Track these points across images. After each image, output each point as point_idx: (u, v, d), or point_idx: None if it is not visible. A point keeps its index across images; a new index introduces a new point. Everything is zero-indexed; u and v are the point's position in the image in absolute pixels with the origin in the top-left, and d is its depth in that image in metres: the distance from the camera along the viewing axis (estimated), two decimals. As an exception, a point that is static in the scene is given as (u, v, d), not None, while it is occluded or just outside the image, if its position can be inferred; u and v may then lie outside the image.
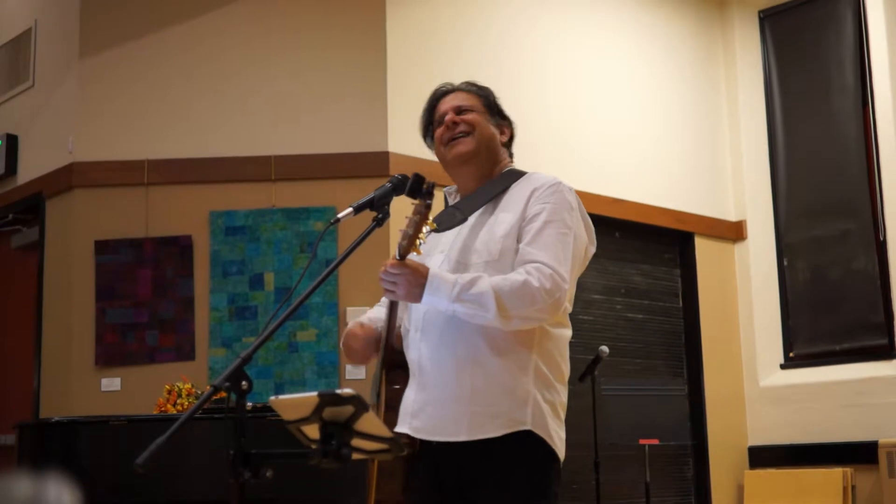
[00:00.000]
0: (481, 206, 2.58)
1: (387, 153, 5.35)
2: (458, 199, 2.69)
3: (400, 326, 2.64)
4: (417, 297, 2.39)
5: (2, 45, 6.38)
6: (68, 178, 5.46)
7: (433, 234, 2.58)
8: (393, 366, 2.56)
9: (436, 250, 2.59)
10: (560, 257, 2.44)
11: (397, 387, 2.55)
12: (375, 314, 2.72)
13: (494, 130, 2.67)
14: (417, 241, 2.36)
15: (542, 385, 2.46)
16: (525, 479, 2.42)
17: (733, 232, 7.04)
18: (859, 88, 6.62)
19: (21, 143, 6.05)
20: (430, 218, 2.38)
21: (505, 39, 6.04)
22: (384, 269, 2.38)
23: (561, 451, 2.48)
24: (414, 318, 2.56)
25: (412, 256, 2.39)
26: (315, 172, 5.37)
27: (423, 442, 2.48)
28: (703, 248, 6.87)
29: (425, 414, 2.47)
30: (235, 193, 5.38)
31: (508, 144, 2.72)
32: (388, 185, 2.46)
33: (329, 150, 5.39)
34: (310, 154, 5.39)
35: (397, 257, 2.37)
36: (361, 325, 2.63)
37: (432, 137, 2.73)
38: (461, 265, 2.51)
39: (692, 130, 6.97)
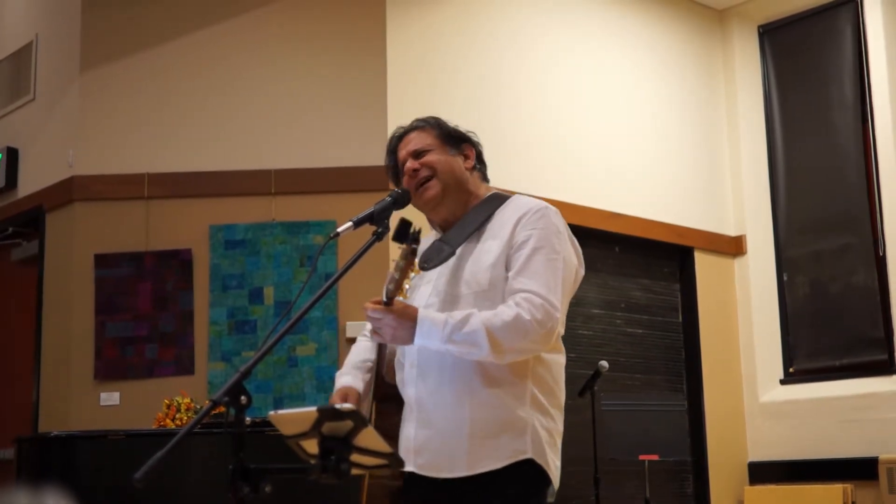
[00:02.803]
0: (467, 236, 2.57)
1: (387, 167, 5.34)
2: (440, 233, 2.68)
3: (389, 360, 2.64)
4: (407, 340, 2.39)
5: (3, 59, 6.39)
6: (68, 191, 5.46)
7: (417, 279, 2.59)
8: (384, 398, 2.56)
9: (423, 282, 2.59)
10: (550, 284, 2.43)
11: (389, 419, 2.54)
12: (358, 358, 2.70)
13: (457, 161, 2.64)
14: (404, 286, 2.36)
15: (539, 412, 2.47)
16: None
17: (733, 247, 7.04)
18: (859, 103, 6.63)
19: (21, 157, 6.06)
20: (417, 258, 2.37)
21: (505, 54, 6.05)
22: (368, 311, 2.37)
23: (556, 480, 2.49)
24: (409, 354, 2.55)
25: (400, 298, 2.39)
26: (315, 186, 5.37)
27: (419, 476, 2.48)
28: (703, 263, 6.87)
29: (429, 451, 2.48)
30: (235, 207, 5.38)
31: (479, 163, 2.70)
32: (388, 199, 2.47)
33: (329, 164, 5.39)
34: (310, 168, 5.40)
35: (384, 301, 2.36)
36: (346, 391, 2.58)
37: (398, 183, 2.71)
38: (450, 297, 2.51)
39: (692, 145, 6.97)
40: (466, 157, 2.67)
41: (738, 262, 7.05)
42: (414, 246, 2.32)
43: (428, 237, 2.69)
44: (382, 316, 2.35)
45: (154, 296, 5.30)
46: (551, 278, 2.44)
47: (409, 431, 2.52)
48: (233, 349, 5.23)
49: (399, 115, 5.46)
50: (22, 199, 5.95)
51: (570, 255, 2.53)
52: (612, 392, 5.90)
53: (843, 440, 6.38)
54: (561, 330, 2.50)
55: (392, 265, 2.36)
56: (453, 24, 5.87)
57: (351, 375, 2.63)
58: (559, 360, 2.57)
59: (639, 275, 6.62)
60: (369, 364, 2.66)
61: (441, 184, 2.60)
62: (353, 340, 5.13)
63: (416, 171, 2.62)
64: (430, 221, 2.71)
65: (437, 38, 5.78)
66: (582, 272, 2.60)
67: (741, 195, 7.07)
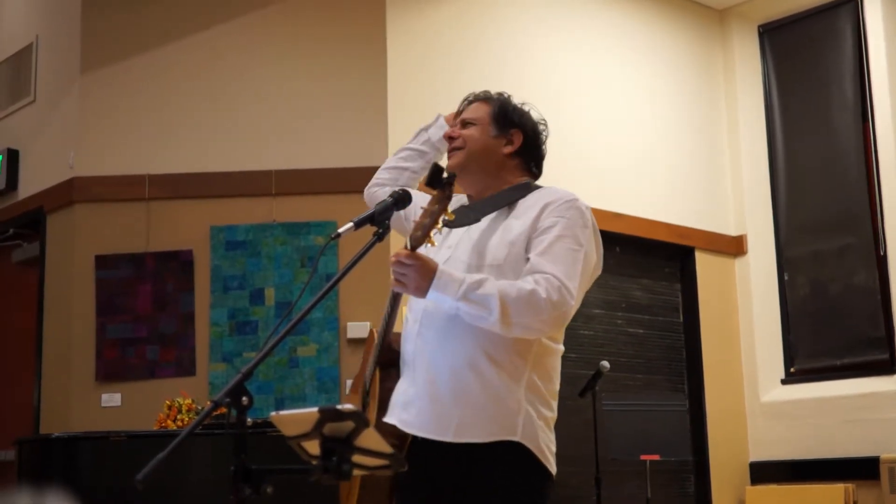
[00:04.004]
0: (492, 211, 2.60)
1: (387, 168, 5.35)
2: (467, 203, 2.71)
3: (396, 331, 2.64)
4: (424, 292, 2.37)
5: (3, 61, 6.39)
6: (69, 192, 5.46)
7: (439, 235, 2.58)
8: (388, 364, 2.54)
9: (443, 246, 2.59)
10: (570, 272, 2.43)
11: (390, 386, 2.53)
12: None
13: (496, 142, 2.66)
14: (432, 232, 2.33)
15: (534, 398, 2.47)
16: (514, 493, 2.42)
17: (733, 246, 7.04)
18: (859, 103, 6.63)
19: (22, 158, 6.06)
20: (449, 209, 2.35)
21: (505, 55, 6.05)
22: (396, 260, 2.36)
23: (552, 466, 2.48)
24: (414, 311, 2.56)
25: (425, 248, 2.37)
26: (316, 187, 5.37)
27: (412, 441, 2.47)
28: (704, 263, 6.86)
29: (414, 408, 2.47)
30: (236, 208, 5.38)
31: (522, 153, 2.69)
32: (389, 199, 2.46)
33: (330, 165, 5.40)
34: (310, 169, 5.40)
35: (408, 247, 2.33)
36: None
37: None
38: (466, 266, 2.51)
39: (692, 145, 6.97)
40: (509, 143, 2.68)
41: (738, 262, 7.05)
42: (448, 191, 2.30)
43: (454, 202, 2.70)
44: (411, 262, 2.33)
45: (155, 297, 5.30)
46: (571, 266, 2.45)
47: (401, 385, 2.53)
48: (234, 350, 5.24)
49: (400, 116, 5.50)
50: (22, 201, 5.95)
51: (592, 251, 2.54)
52: (613, 392, 5.90)
53: (845, 440, 6.38)
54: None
55: (422, 212, 2.34)
56: (453, 26, 5.87)
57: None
58: (560, 349, 2.58)
59: (639, 275, 6.62)
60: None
61: (465, 156, 2.65)
62: (354, 341, 5.17)
63: (452, 138, 2.70)
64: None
65: (438, 39, 5.78)
66: (598, 272, 2.61)
67: (741, 195, 7.07)
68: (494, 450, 2.41)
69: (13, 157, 6.06)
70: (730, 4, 7.22)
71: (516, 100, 2.75)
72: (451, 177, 2.33)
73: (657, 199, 6.63)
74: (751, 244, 7.01)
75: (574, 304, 2.44)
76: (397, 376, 2.55)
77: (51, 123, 5.84)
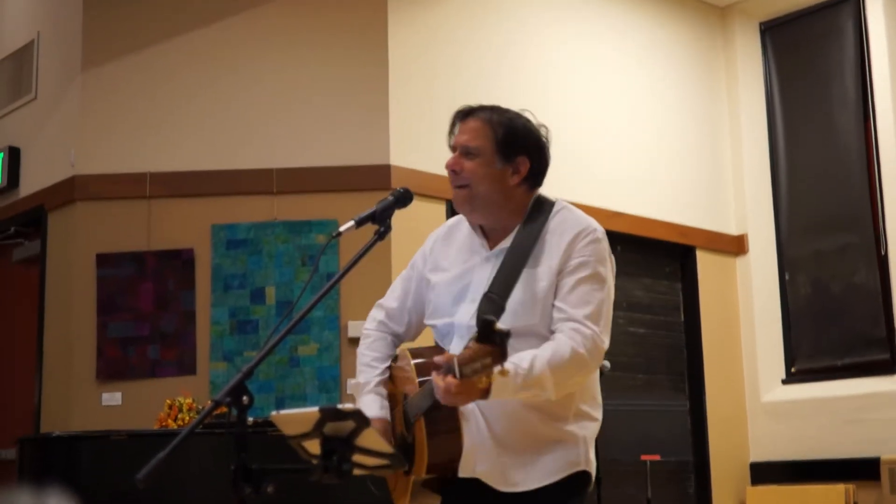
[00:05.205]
0: (515, 280, 2.49)
1: (388, 166, 5.35)
2: (465, 234, 2.67)
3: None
4: (477, 400, 2.32)
5: (4, 58, 6.39)
6: (70, 191, 5.46)
7: (457, 275, 2.59)
8: (431, 409, 2.45)
9: (466, 298, 2.55)
10: (597, 315, 2.47)
11: (438, 440, 2.48)
12: (378, 355, 2.70)
13: (502, 174, 2.55)
14: (481, 380, 2.15)
15: (583, 421, 2.58)
16: None
17: (735, 246, 7.03)
18: (860, 101, 6.62)
19: (23, 156, 6.05)
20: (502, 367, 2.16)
21: (506, 52, 6.04)
22: (445, 389, 2.19)
23: (594, 470, 2.60)
24: None
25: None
26: (317, 185, 5.37)
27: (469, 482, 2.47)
28: (705, 262, 6.86)
29: (482, 461, 2.48)
30: (237, 206, 5.38)
31: (530, 178, 2.59)
32: (390, 198, 2.46)
33: (331, 164, 5.39)
34: (311, 167, 5.39)
35: (457, 373, 2.14)
36: (384, 424, 2.56)
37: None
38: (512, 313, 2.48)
39: (693, 143, 6.97)
40: (516, 172, 2.56)
41: (739, 262, 7.04)
42: (504, 347, 2.12)
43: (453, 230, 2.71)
44: (460, 391, 2.17)
45: (156, 295, 5.30)
46: (597, 308, 2.48)
47: (466, 439, 2.49)
48: (234, 349, 5.23)
49: (401, 115, 5.49)
50: (23, 199, 5.95)
51: (612, 286, 2.56)
52: (614, 392, 5.89)
53: (845, 440, 6.37)
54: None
55: (470, 352, 2.13)
56: (455, 24, 5.86)
57: (376, 401, 2.59)
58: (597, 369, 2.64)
59: (640, 274, 6.61)
60: (387, 365, 2.67)
61: (472, 196, 2.55)
62: (355, 340, 5.16)
63: (455, 172, 2.57)
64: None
65: (439, 38, 5.78)
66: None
67: (743, 194, 7.06)
68: (561, 484, 2.49)
69: (14, 154, 6.06)
70: (731, 2, 7.21)
71: (514, 105, 2.64)
72: (507, 334, 2.11)
73: (658, 198, 6.63)
74: (752, 243, 7.00)
75: (606, 346, 2.50)
76: (441, 423, 2.49)
77: (52, 121, 5.84)
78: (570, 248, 2.50)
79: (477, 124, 2.58)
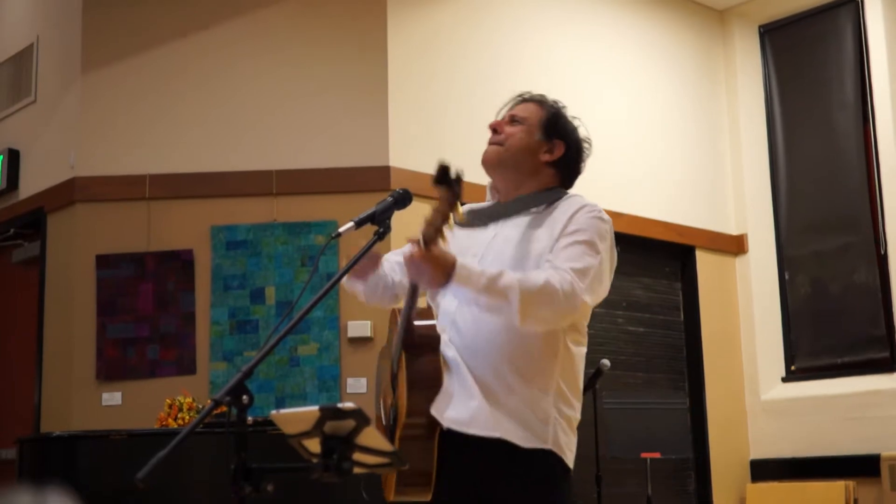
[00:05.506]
0: (522, 212, 2.62)
1: (388, 167, 5.36)
2: (496, 199, 2.73)
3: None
4: (442, 286, 2.39)
5: (4, 61, 6.40)
6: (70, 192, 5.47)
7: (462, 233, 2.59)
8: (412, 346, 2.51)
9: (468, 253, 2.59)
10: (582, 271, 2.46)
11: (418, 367, 2.51)
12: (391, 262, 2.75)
13: (536, 146, 2.67)
14: (444, 231, 2.31)
15: (561, 403, 2.53)
16: (545, 496, 2.49)
17: (734, 245, 7.04)
18: (860, 103, 6.63)
19: (23, 158, 6.06)
20: (460, 208, 2.32)
21: (505, 55, 6.05)
22: (409, 259, 2.34)
23: (572, 463, 2.56)
24: (441, 320, 2.57)
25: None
26: (316, 187, 5.38)
27: (449, 434, 2.48)
28: (705, 262, 6.87)
29: (458, 407, 2.48)
30: (237, 208, 5.38)
31: (560, 164, 2.70)
32: (390, 199, 2.47)
33: (330, 165, 5.40)
34: (311, 168, 5.40)
35: (421, 244, 2.31)
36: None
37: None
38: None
39: (693, 144, 6.98)
40: (549, 151, 2.68)
41: (739, 261, 7.05)
42: (456, 189, 2.28)
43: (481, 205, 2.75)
44: (423, 260, 2.32)
45: (155, 296, 5.31)
46: (585, 267, 2.48)
47: (446, 385, 2.51)
48: (234, 349, 5.24)
49: (400, 116, 5.50)
50: (23, 201, 5.95)
51: (606, 261, 2.57)
52: (614, 390, 5.90)
53: (845, 437, 6.38)
54: (585, 321, 2.59)
55: (430, 210, 2.32)
56: (454, 26, 5.87)
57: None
58: (583, 351, 2.63)
59: (640, 274, 6.62)
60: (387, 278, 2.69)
61: (499, 154, 2.66)
62: (354, 340, 5.18)
63: (495, 131, 2.70)
64: (490, 184, 2.76)
65: (438, 39, 5.79)
66: (605, 293, 2.61)
67: (742, 194, 7.07)
68: (529, 455, 2.47)
69: (14, 157, 6.06)
70: (730, 4, 7.22)
71: (568, 112, 2.76)
72: (459, 177, 2.29)
73: (658, 198, 6.64)
74: (751, 243, 7.01)
75: (583, 299, 2.46)
76: (422, 357, 2.52)
77: (51, 123, 5.84)
78: (573, 218, 2.56)
79: (530, 104, 2.74)
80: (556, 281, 2.40)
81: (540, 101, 2.75)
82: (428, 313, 2.57)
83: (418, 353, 2.49)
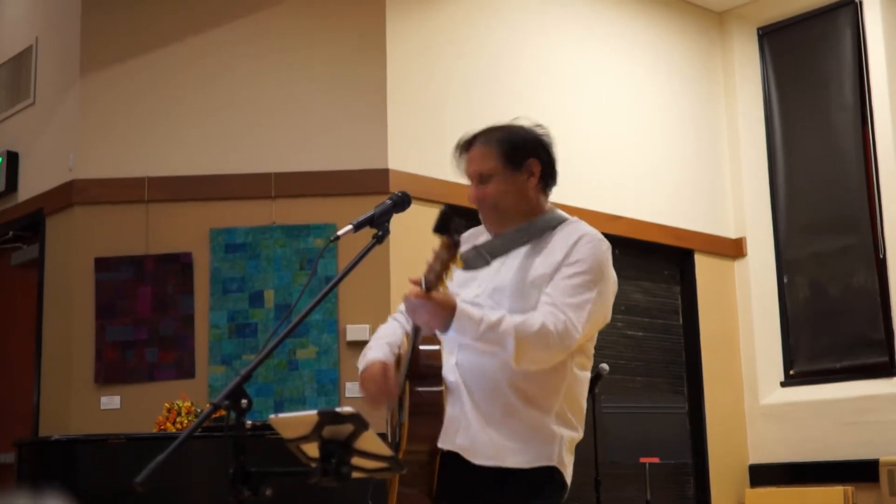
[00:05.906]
0: (509, 251, 2.64)
1: (387, 170, 5.36)
2: (487, 237, 2.73)
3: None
4: (441, 329, 2.45)
5: (3, 63, 6.39)
6: (69, 195, 5.46)
7: (465, 273, 2.64)
8: (415, 377, 2.54)
9: (473, 283, 2.64)
10: (579, 307, 2.51)
11: (419, 398, 2.54)
12: (386, 334, 2.74)
13: (519, 182, 2.66)
14: (444, 279, 2.39)
15: (562, 424, 2.57)
16: None
17: (733, 249, 7.03)
18: (858, 105, 6.63)
19: (21, 161, 6.06)
20: (459, 258, 2.39)
21: (504, 57, 6.05)
22: (408, 298, 2.41)
23: (570, 480, 2.61)
24: (446, 346, 2.60)
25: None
26: (315, 190, 5.38)
27: (449, 456, 2.51)
28: (703, 266, 6.86)
29: (461, 433, 2.52)
30: (236, 211, 5.38)
31: (545, 175, 2.71)
32: (389, 202, 2.48)
33: (329, 168, 5.40)
34: (310, 171, 5.40)
35: (423, 288, 2.39)
36: (384, 366, 2.62)
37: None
38: (495, 303, 2.57)
39: (691, 147, 6.97)
40: (531, 174, 2.68)
41: (738, 265, 7.05)
42: (456, 238, 2.36)
43: (476, 234, 2.77)
44: (422, 304, 2.39)
45: (154, 299, 5.30)
46: (582, 303, 2.51)
47: (448, 410, 2.55)
48: (233, 352, 5.23)
49: (399, 119, 5.50)
50: (22, 203, 5.95)
51: (607, 295, 2.60)
52: (613, 394, 5.89)
53: (844, 442, 6.38)
54: (592, 345, 2.65)
55: (432, 255, 2.38)
56: (452, 29, 5.87)
57: (379, 350, 2.67)
58: (587, 375, 2.66)
59: (639, 277, 6.62)
60: (397, 343, 2.71)
61: (501, 213, 2.67)
62: (353, 343, 5.17)
63: (480, 200, 2.67)
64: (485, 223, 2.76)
65: (438, 42, 5.79)
66: (607, 317, 2.65)
67: (741, 197, 7.07)
68: (532, 473, 2.51)
69: (13, 159, 6.06)
70: (729, 7, 7.23)
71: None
72: (461, 225, 2.38)
73: (656, 202, 6.63)
74: (750, 246, 7.01)
75: (578, 338, 2.50)
76: (425, 386, 2.57)
77: (50, 126, 5.84)
78: (573, 248, 2.58)
79: (480, 150, 2.69)
80: (551, 323, 2.45)
81: (485, 143, 2.68)
82: (433, 338, 2.59)
83: (421, 383, 2.54)
